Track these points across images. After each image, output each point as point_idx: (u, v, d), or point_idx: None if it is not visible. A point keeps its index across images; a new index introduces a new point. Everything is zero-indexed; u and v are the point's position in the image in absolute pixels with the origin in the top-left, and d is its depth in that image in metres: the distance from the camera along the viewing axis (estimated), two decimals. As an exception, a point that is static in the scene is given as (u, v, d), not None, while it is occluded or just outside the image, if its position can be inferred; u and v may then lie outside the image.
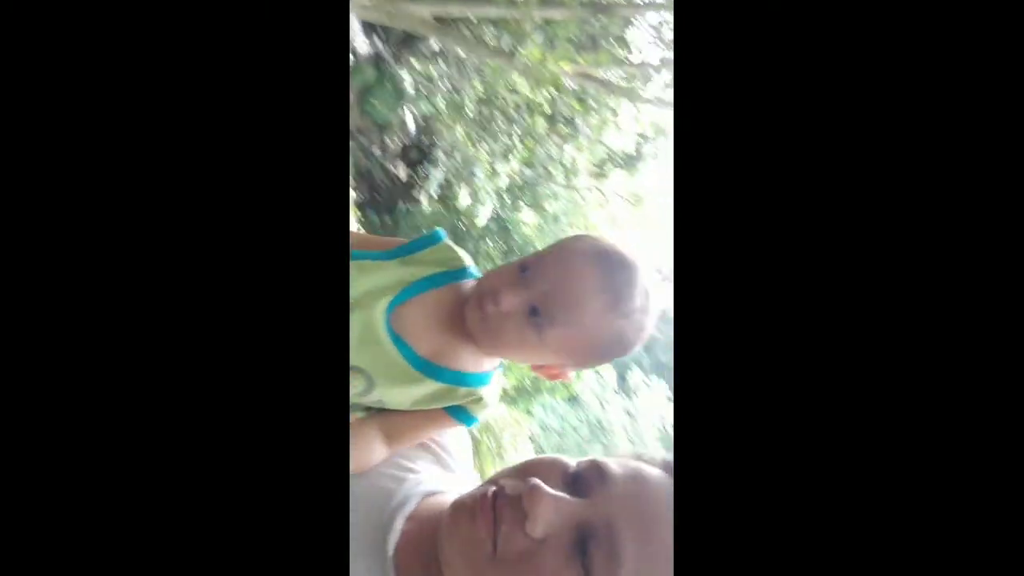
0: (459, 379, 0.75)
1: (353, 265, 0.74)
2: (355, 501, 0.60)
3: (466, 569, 0.52)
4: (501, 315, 0.68)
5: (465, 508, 0.54)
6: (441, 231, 0.81)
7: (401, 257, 0.77)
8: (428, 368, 0.73)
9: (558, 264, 0.69)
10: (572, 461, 0.56)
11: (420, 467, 0.73)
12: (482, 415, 0.77)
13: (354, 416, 0.75)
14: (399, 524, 0.60)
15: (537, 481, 0.51)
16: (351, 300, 0.71)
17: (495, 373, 0.79)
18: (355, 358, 0.70)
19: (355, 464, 0.68)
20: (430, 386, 0.73)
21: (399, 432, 0.73)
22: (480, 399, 0.76)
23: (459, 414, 0.76)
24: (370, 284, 0.73)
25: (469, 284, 0.78)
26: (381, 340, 0.71)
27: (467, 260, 0.79)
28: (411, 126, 5.56)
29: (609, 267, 0.68)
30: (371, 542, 0.59)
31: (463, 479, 0.79)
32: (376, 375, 0.71)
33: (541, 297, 0.67)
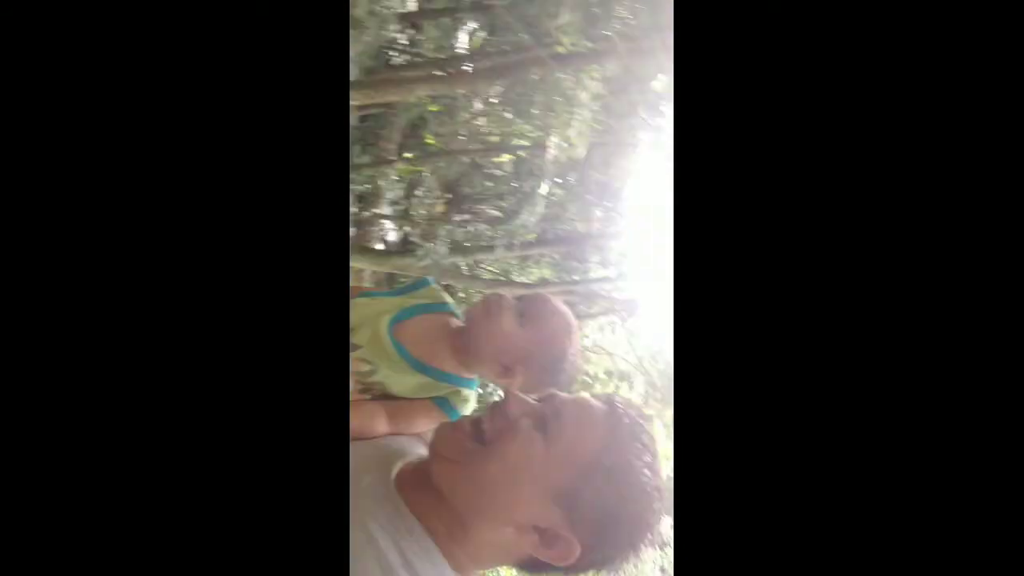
0: (440, 375, 0.96)
1: (367, 299, 1.04)
2: (365, 448, 0.80)
3: (456, 458, 0.67)
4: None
5: (449, 424, 0.79)
6: (430, 278, 1.10)
7: (402, 295, 1.06)
8: (417, 364, 0.95)
9: None
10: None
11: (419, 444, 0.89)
12: (463, 409, 0.96)
13: (362, 398, 0.94)
14: (400, 463, 0.77)
15: (515, 391, 0.70)
16: (366, 317, 0.98)
17: (472, 385, 1.00)
18: (365, 353, 0.94)
19: (361, 431, 0.86)
20: (419, 378, 0.95)
21: (398, 410, 0.92)
22: (458, 392, 0.96)
23: (443, 405, 0.95)
24: (379, 308, 1.00)
25: (449, 318, 1.03)
26: (384, 342, 0.95)
27: (448, 299, 1.06)
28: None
29: None
30: (377, 468, 0.74)
31: None
32: (379, 365, 0.94)
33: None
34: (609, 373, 4.87)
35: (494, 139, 5.58)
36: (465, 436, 0.69)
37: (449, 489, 0.67)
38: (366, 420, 0.88)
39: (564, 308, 0.98)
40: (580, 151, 3.63)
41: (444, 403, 0.95)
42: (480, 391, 1.04)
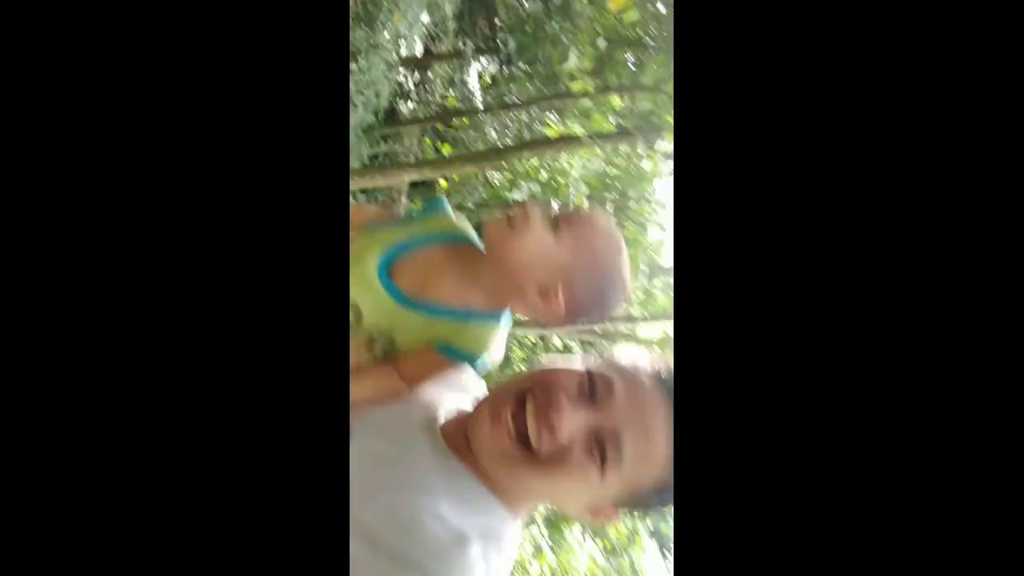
0: (432, 310, 0.79)
1: (366, 229, 0.86)
2: (401, 405, 0.75)
3: (504, 463, 0.65)
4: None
5: (486, 414, 0.67)
6: (444, 199, 0.91)
7: (409, 224, 0.87)
8: (403, 299, 0.79)
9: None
10: (583, 367, 0.67)
11: (452, 395, 0.83)
12: (477, 350, 0.79)
13: (365, 363, 0.80)
14: (441, 413, 0.75)
15: (563, 399, 0.64)
16: (361, 252, 0.81)
17: (484, 320, 0.81)
18: (351, 293, 0.79)
19: (380, 398, 0.76)
20: (414, 317, 0.79)
21: (408, 368, 0.79)
22: (461, 331, 0.79)
23: (446, 351, 0.79)
24: (378, 239, 0.83)
25: (462, 246, 0.84)
26: (370, 278, 0.79)
27: (467, 230, 0.87)
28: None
29: None
30: (418, 421, 0.72)
31: None
32: (364, 308, 0.79)
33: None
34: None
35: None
36: (509, 440, 0.65)
37: (497, 477, 0.67)
38: (381, 385, 0.78)
39: (611, 225, 0.82)
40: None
41: (447, 349, 0.79)
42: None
